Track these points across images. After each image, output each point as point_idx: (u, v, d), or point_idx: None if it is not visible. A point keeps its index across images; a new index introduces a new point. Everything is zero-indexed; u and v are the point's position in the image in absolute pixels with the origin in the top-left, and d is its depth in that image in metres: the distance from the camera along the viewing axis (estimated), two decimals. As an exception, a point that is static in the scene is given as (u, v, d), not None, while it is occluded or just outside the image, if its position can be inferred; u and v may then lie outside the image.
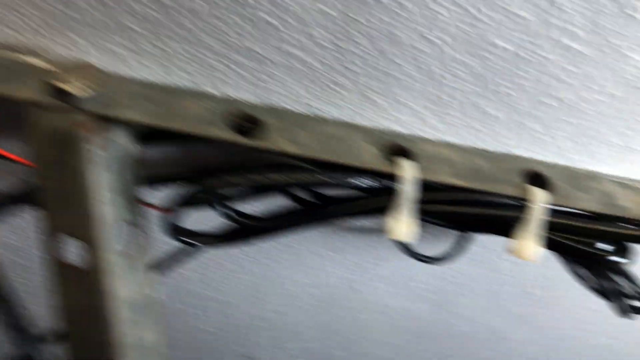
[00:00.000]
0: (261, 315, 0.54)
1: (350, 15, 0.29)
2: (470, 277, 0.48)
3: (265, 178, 0.29)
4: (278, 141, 0.31)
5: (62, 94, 0.28)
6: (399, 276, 0.49)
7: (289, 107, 0.33)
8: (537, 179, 0.35)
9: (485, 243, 0.44)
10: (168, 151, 0.35)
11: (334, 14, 0.28)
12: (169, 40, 0.30)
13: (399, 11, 0.28)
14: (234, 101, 0.32)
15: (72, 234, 0.29)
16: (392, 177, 0.32)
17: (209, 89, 0.32)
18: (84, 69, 0.29)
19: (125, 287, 0.31)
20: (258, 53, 0.30)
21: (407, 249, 0.37)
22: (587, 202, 0.35)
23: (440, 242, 0.44)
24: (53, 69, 0.29)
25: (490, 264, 0.46)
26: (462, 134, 0.34)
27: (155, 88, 0.31)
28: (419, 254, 0.37)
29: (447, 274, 0.49)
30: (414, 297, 0.52)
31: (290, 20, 0.29)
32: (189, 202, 0.30)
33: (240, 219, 0.31)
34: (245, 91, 0.32)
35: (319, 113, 0.33)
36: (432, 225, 0.41)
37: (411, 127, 0.34)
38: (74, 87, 0.28)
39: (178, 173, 0.33)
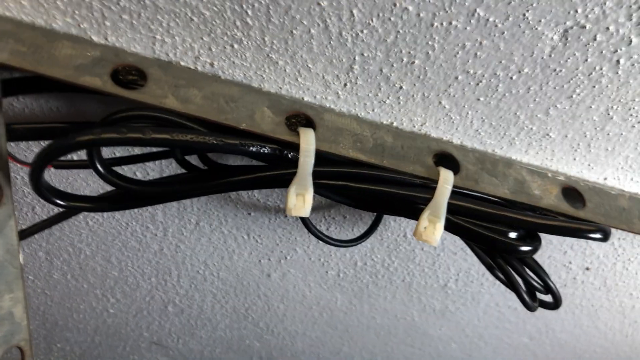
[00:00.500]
0: (169, 299, 0.51)
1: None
2: (387, 267, 0.46)
3: (147, 136, 0.26)
4: (163, 97, 0.28)
5: None
6: (315, 264, 0.46)
7: (188, 65, 0.30)
8: (447, 160, 0.34)
9: (400, 231, 0.42)
10: (39, 102, 0.31)
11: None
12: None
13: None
14: (121, 51, 0.29)
15: None
16: (292, 146, 0.30)
17: (94, 36, 0.29)
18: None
19: None
20: (152, 0, 0.27)
21: (314, 230, 0.34)
22: (498, 188, 0.34)
23: (354, 226, 0.42)
24: None
25: (406, 253, 0.45)
26: (372, 107, 0.32)
27: (28, 28, 0.27)
28: (326, 236, 0.35)
29: (364, 262, 0.46)
30: (329, 287, 0.49)
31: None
32: (60, 158, 0.26)
33: (121, 182, 0.28)
34: (139, 43, 0.29)
35: (220, 74, 0.31)
36: (345, 208, 0.39)
37: (318, 95, 0.32)
38: None
39: (51, 126, 0.30)
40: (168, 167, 0.37)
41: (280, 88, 0.31)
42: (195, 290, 0.50)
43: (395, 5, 0.27)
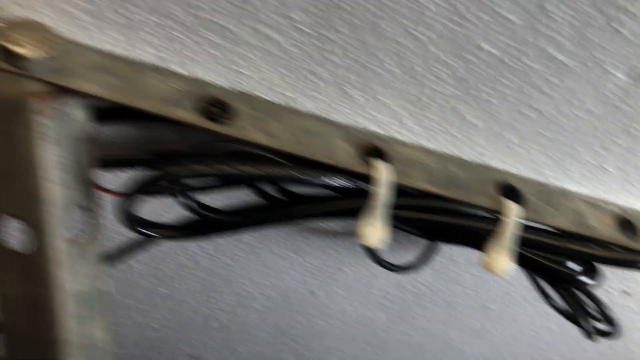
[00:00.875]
0: (213, 314, 0.52)
1: (335, 1, 0.27)
2: (432, 288, 0.47)
3: (235, 169, 0.27)
4: (249, 130, 0.29)
5: (8, 55, 0.25)
6: (360, 283, 0.47)
7: (262, 95, 0.31)
8: (511, 192, 0.34)
9: (449, 254, 0.43)
10: (127, 131, 0.32)
11: (317, -3, 0.27)
12: (135, 7, 0.27)
13: (385, 1, 0.27)
14: (204, 83, 0.30)
15: (16, 215, 0.26)
16: (365, 178, 0.31)
17: (177, 67, 0.30)
18: (35, 29, 0.26)
19: (74, 279, 0.28)
20: (230, 31, 0.28)
21: (374, 255, 0.35)
22: (558, 219, 0.35)
23: (406, 250, 0.43)
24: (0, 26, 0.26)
25: (452, 276, 0.45)
26: (438, 139, 0.33)
27: (117, 60, 0.28)
28: (385, 261, 0.36)
29: (408, 284, 0.47)
30: (373, 306, 0.50)
31: (268, -2, 0.27)
32: (149, 189, 0.27)
33: (203, 211, 0.29)
34: (216, 73, 0.30)
35: (293, 104, 0.32)
36: (399, 233, 0.40)
37: (387, 127, 0.33)
38: (24, 47, 0.25)
39: (138, 156, 0.30)
40: (230, 195, 0.37)
41: (353, 120, 0.32)
42: (239, 306, 0.50)
43: (471, 44, 0.28)
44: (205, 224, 0.30)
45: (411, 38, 0.28)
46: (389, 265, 0.36)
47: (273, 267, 0.46)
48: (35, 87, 0.26)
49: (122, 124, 0.31)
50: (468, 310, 0.50)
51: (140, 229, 0.29)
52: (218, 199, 0.37)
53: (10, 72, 0.26)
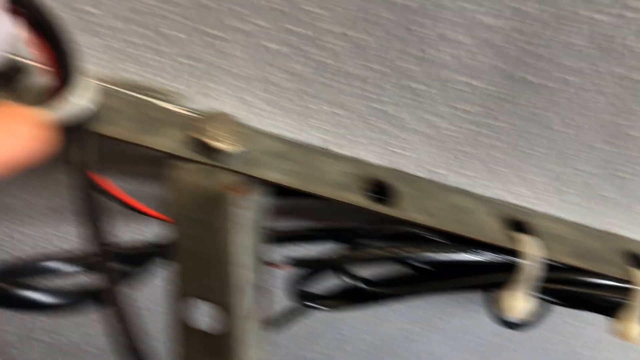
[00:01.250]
0: (307, 356, 0.53)
1: (501, 95, 0.28)
2: (527, 335, 0.49)
3: (405, 251, 0.28)
4: (411, 210, 0.30)
5: (205, 149, 0.27)
6: (458, 330, 0.49)
7: (415, 172, 0.33)
8: (635, 259, 0.36)
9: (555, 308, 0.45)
10: (293, 207, 0.34)
11: (485, 91, 0.28)
12: (312, 98, 0.29)
13: (550, 97, 0.28)
14: (365, 164, 0.31)
15: (205, 297, 0.27)
16: (511, 251, 0.32)
17: (339, 149, 0.31)
18: (226, 122, 0.28)
19: (255, 354, 0.30)
20: (398, 119, 0.30)
21: (503, 321, 0.37)
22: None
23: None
24: (194, 118, 0.28)
25: (552, 325, 0.47)
26: (575, 211, 0.35)
27: (290, 145, 0.30)
28: (511, 322, 0.37)
29: (505, 330, 0.49)
30: (465, 349, 0.52)
31: (439, 92, 0.28)
32: (320, 268, 0.29)
33: (368, 287, 0.30)
34: (374, 153, 0.32)
35: (436, 178, 0.33)
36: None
37: (530, 200, 0.34)
38: (218, 142, 0.27)
39: (304, 232, 0.32)
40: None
41: (496, 193, 0.34)
42: (335, 349, 0.52)
43: (622, 132, 0.30)
44: (359, 295, 0.32)
45: (567, 127, 0.30)
46: (512, 325, 0.38)
47: (377, 315, 0.47)
48: (230, 179, 0.27)
49: (288, 200, 0.33)
50: (559, 355, 0.51)
51: (307, 303, 0.31)
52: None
53: (206, 164, 0.27)
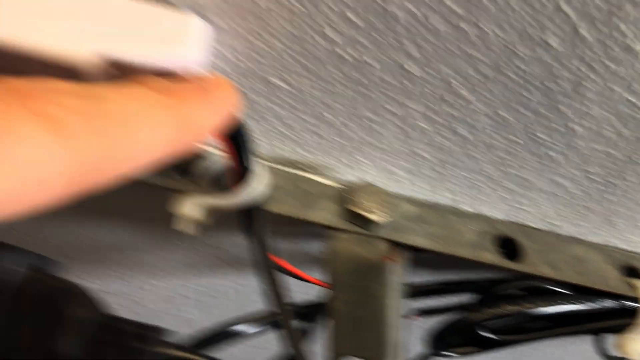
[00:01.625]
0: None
1: (634, 158, 0.30)
2: None
3: (536, 305, 0.31)
4: (537, 264, 0.32)
5: (358, 219, 0.29)
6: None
7: (533, 224, 0.34)
8: None
9: None
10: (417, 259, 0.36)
11: (619, 156, 0.30)
12: (451, 167, 0.31)
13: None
14: (492, 220, 0.33)
15: (360, 355, 0.30)
16: (628, 297, 0.34)
17: (465, 206, 0.33)
18: (375, 192, 0.30)
19: None
20: (529, 181, 0.32)
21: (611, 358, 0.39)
22: None
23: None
24: (344, 190, 0.30)
25: None
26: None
27: (427, 207, 0.32)
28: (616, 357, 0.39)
29: None
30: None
31: (572, 158, 0.30)
32: (453, 323, 0.31)
33: (499, 337, 0.32)
34: (499, 209, 0.34)
35: (558, 231, 0.35)
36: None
37: (637, 246, 0.36)
38: (370, 212, 0.29)
39: (435, 286, 0.34)
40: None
41: (610, 241, 0.35)
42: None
43: None
44: (488, 342, 0.34)
45: (691, 183, 0.32)
46: None
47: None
48: (384, 247, 0.29)
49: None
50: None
51: (441, 352, 0.33)
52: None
53: (361, 234, 0.29)
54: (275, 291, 0.27)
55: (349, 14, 0.23)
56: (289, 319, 0.27)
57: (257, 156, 0.27)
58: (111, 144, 0.15)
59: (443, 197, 0.33)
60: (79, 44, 0.21)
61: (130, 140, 0.15)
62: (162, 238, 0.38)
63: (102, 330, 0.23)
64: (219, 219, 0.30)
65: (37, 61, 0.21)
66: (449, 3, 0.22)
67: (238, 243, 0.40)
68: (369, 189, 0.30)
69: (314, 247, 0.40)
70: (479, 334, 0.32)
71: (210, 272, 0.43)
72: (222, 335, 0.31)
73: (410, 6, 0.23)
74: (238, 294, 0.45)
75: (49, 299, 0.23)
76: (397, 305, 0.30)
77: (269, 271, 0.27)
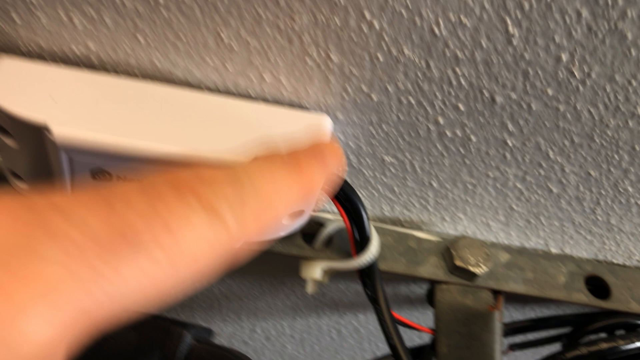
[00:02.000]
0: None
1: None
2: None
3: (624, 341, 0.33)
4: (626, 301, 0.35)
5: (462, 272, 0.32)
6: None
7: (618, 261, 0.37)
8: None
9: None
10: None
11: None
12: (543, 217, 0.34)
13: None
14: (582, 261, 0.36)
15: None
16: None
17: (554, 249, 0.36)
18: (472, 245, 0.33)
19: None
20: (615, 225, 0.34)
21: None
22: None
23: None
24: (446, 244, 0.33)
25: None
26: None
27: (520, 253, 0.35)
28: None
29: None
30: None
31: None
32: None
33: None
34: (586, 250, 0.36)
35: (636, 263, 0.37)
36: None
37: None
38: (474, 266, 0.32)
39: (527, 323, 0.37)
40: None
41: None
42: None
43: None
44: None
45: None
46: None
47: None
48: (487, 296, 0.32)
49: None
50: None
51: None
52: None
53: (466, 285, 0.33)
54: (396, 339, 0.30)
55: (457, 103, 0.27)
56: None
57: (371, 221, 0.30)
58: (259, 225, 0.17)
59: (534, 243, 0.36)
60: (233, 148, 0.25)
61: (273, 217, 0.18)
62: (269, 285, 0.42)
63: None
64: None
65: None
66: (540, 86, 0.25)
67: (340, 289, 0.43)
68: (469, 242, 0.33)
69: (404, 290, 0.43)
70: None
71: (315, 314, 0.46)
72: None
73: (511, 93, 0.26)
74: (339, 334, 0.49)
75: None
76: (500, 348, 0.33)
77: (390, 322, 0.30)
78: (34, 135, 0.24)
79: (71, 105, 0.25)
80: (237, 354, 0.27)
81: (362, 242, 0.30)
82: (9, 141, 0.26)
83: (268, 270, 0.41)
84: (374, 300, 0.31)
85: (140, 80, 0.26)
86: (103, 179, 0.25)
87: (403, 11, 0.23)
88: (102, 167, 0.25)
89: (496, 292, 0.33)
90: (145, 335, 0.27)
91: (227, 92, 0.27)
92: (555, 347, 0.42)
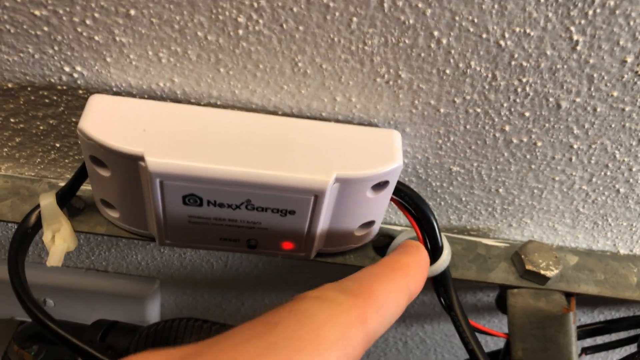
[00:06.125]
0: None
1: None
2: None
3: None
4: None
5: (533, 275, 0.33)
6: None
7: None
8: None
9: None
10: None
11: None
12: (610, 218, 0.34)
13: None
14: (650, 261, 0.36)
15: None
16: None
17: (623, 250, 0.36)
18: (540, 249, 0.33)
19: None
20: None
21: None
22: None
23: None
24: (514, 249, 0.34)
25: None
26: None
27: (588, 255, 0.35)
28: None
29: None
30: None
31: None
32: None
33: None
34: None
35: None
36: None
37: None
38: (545, 269, 0.32)
39: (597, 325, 0.37)
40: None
41: None
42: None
43: None
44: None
45: None
46: None
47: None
48: (559, 298, 0.33)
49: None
50: None
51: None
52: None
53: (537, 289, 0.33)
54: (474, 344, 0.31)
55: (523, 111, 0.27)
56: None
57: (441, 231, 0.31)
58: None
59: (602, 245, 0.36)
60: (319, 171, 0.26)
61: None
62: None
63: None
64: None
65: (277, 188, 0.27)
66: (605, 89, 0.26)
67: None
68: (537, 246, 0.33)
69: (471, 299, 0.44)
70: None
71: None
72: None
73: (576, 98, 0.27)
74: (405, 345, 0.49)
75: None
76: (576, 350, 0.33)
77: (467, 327, 0.31)
78: (129, 165, 0.26)
79: (161, 135, 0.26)
80: None
81: (434, 251, 0.31)
82: (103, 172, 0.28)
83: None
84: (449, 308, 0.31)
85: (222, 109, 0.28)
86: (193, 203, 0.27)
87: (470, 27, 0.24)
88: (193, 192, 0.27)
89: (568, 295, 0.33)
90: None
91: (301, 115, 0.29)
92: (626, 351, 0.41)
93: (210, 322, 0.29)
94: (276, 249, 0.30)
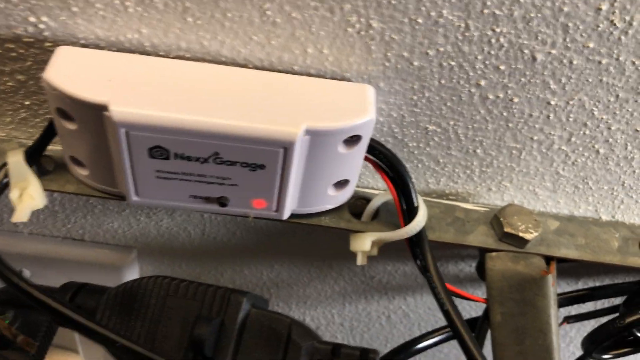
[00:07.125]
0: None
1: None
2: None
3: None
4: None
5: (512, 239, 0.32)
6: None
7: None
8: None
9: None
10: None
11: None
12: (591, 182, 0.33)
13: None
14: (633, 226, 0.35)
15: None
16: None
17: (605, 216, 0.36)
18: (518, 212, 0.33)
19: None
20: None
21: None
22: None
23: None
24: (495, 214, 0.33)
25: None
26: None
27: (569, 221, 0.34)
28: None
29: None
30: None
31: None
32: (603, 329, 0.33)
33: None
34: (637, 216, 0.36)
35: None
36: None
37: None
38: (524, 232, 0.32)
39: (581, 292, 0.37)
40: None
41: None
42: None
43: None
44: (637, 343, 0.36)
45: None
46: None
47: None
48: (539, 262, 0.32)
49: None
50: None
51: (595, 355, 0.35)
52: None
53: (516, 252, 0.32)
54: (449, 305, 0.30)
55: (498, 64, 0.27)
56: (467, 331, 0.30)
57: (419, 194, 0.31)
58: None
59: (583, 210, 0.35)
60: (287, 122, 0.26)
61: None
62: (317, 270, 0.42)
63: (329, 354, 0.27)
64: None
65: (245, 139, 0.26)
66: (580, 39, 0.25)
67: (388, 270, 0.43)
68: (517, 209, 0.33)
69: (452, 269, 0.43)
70: (636, 335, 0.34)
71: (364, 300, 0.47)
72: (410, 352, 0.35)
73: (551, 50, 0.26)
74: (389, 320, 0.49)
75: (273, 330, 0.28)
76: (556, 314, 0.32)
77: (442, 287, 0.31)
78: (94, 116, 0.26)
79: (127, 85, 0.26)
80: (289, 317, 0.27)
81: (409, 211, 0.31)
82: (70, 125, 0.27)
83: (316, 253, 0.42)
84: (424, 269, 0.31)
85: (191, 62, 0.28)
86: (160, 156, 0.27)
87: (440, -29, 0.23)
88: (160, 144, 0.26)
89: (548, 259, 0.33)
90: (206, 304, 0.28)
91: (272, 69, 0.28)
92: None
93: (179, 279, 0.29)
94: (248, 207, 0.30)
